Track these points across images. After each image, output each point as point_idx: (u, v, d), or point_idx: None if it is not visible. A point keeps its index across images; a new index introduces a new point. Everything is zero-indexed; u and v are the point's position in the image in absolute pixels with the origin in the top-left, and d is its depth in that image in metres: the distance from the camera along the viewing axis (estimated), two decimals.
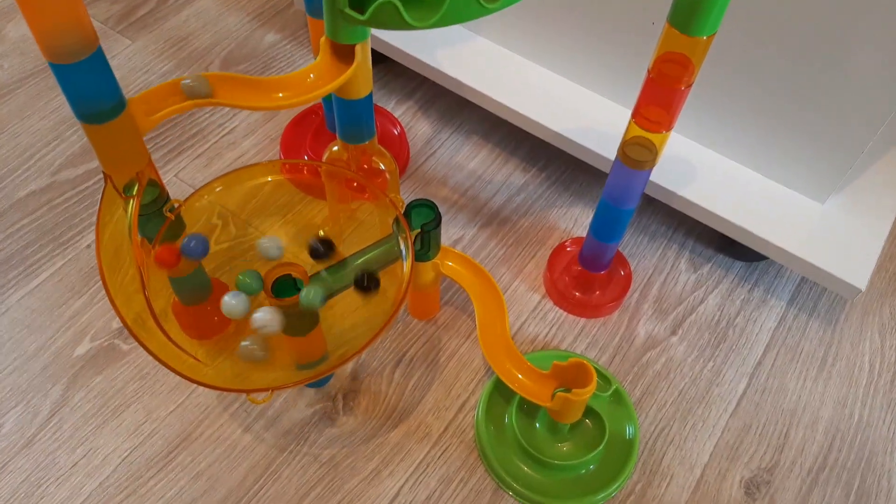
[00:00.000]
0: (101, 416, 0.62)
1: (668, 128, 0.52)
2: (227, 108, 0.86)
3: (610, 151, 0.70)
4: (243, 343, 0.49)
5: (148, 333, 0.48)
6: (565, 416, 0.57)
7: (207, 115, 0.85)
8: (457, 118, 0.86)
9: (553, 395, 0.57)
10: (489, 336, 0.60)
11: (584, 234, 0.76)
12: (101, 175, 0.80)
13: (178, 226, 0.56)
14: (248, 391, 0.47)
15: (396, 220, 0.55)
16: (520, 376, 0.58)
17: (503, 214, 0.78)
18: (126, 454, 0.60)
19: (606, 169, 0.71)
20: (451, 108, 0.87)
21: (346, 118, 0.57)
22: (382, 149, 0.63)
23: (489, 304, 0.61)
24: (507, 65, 0.77)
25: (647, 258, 0.75)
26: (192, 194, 0.57)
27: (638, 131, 0.53)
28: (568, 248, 0.73)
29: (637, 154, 0.55)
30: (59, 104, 0.85)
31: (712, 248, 0.76)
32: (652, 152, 0.55)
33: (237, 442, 0.61)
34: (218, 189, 0.58)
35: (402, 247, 0.54)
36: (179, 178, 0.79)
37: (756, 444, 0.64)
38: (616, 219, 0.61)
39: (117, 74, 0.58)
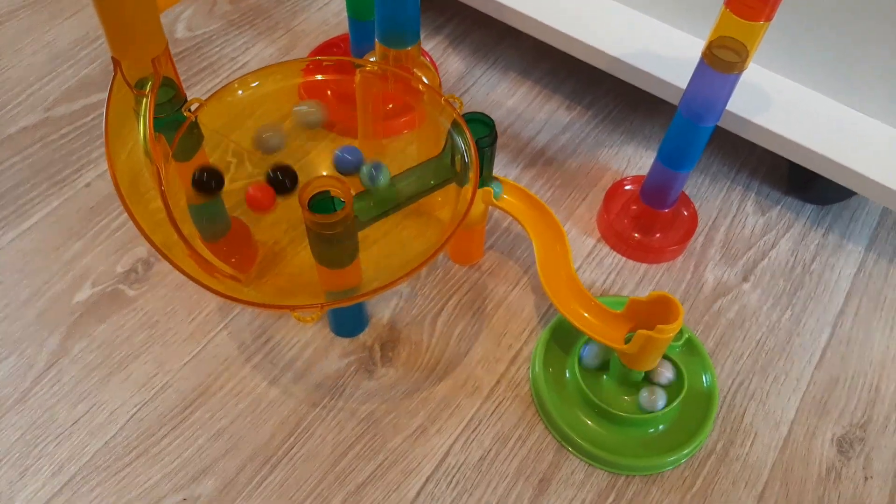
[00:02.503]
0: (105, 368, 0.55)
1: (769, 16, 0.45)
2: (239, 42, 0.78)
3: (673, 77, 0.63)
4: (297, 108, 0.42)
5: (177, 258, 0.41)
6: (642, 361, 0.50)
7: (218, 49, 0.77)
8: (491, 54, 0.79)
9: (627, 339, 0.49)
10: (551, 273, 0.52)
11: (639, 173, 0.69)
12: (102, 112, 0.72)
13: (196, 136, 0.48)
14: (295, 307, 0.40)
15: (454, 126, 0.47)
16: (587, 316, 0.50)
17: (548, 154, 0.71)
18: (135, 410, 0.53)
19: (668, 97, 0.64)
20: (484, 43, 0.79)
21: (388, 12, 0.49)
22: (426, 61, 0.55)
23: (549, 238, 0.53)
24: None
25: (710, 201, 0.68)
26: (220, 90, 0.49)
27: (731, 23, 0.45)
28: (627, 187, 0.65)
29: (726, 55, 0.47)
30: (53, 37, 0.77)
31: (780, 191, 0.69)
32: (742, 55, 0.47)
33: (262, 396, 0.54)
34: (253, 84, 0.50)
35: (462, 146, 0.46)
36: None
37: (846, 399, 0.57)
38: (693, 138, 0.54)
39: None
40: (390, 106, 0.68)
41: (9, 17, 0.79)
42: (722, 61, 0.48)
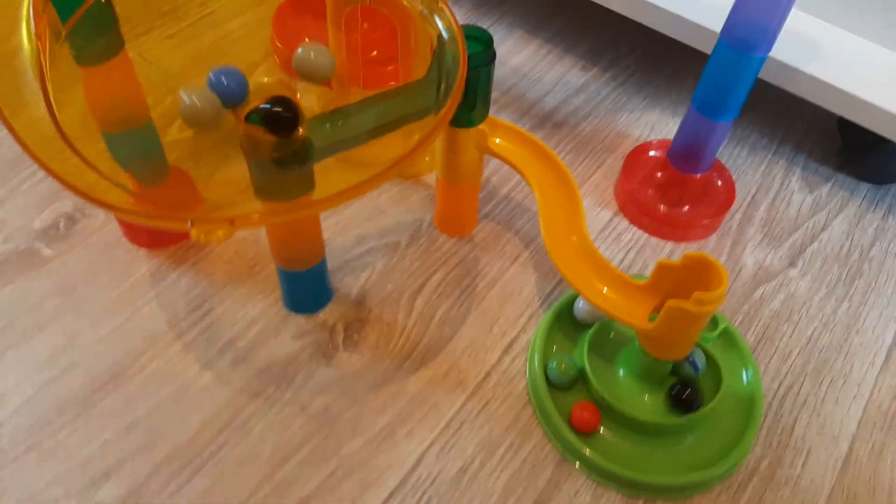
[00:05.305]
0: (2, 341, 0.44)
1: None
2: None
3: (707, 19, 0.53)
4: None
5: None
6: (671, 346, 0.39)
7: None
8: (496, 10, 0.69)
9: (652, 318, 0.39)
10: (559, 237, 0.41)
11: (665, 137, 0.58)
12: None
13: (107, 18, 0.38)
14: (192, 220, 0.29)
15: (440, 36, 0.37)
16: (603, 289, 0.40)
17: (557, 117, 0.60)
18: (31, 392, 0.42)
19: (700, 45, 0.54)
20: None
21: None
22: None
23: (556, 193, 0.43)
24: None
25: (748, 174, 0.57)
26: None
27: None
28: (652, 153, 0.55)
29: None
30: None
31: (830, 167, 0.59)
32: None
33: (191, 382, 0.43)
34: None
35: (444, 31, 0.36)
36: (143, 57, 0.61)
37: None
38: (738, 75, 0.43)
39: None
40: (374, 53, 0.59)
41: None
42: None
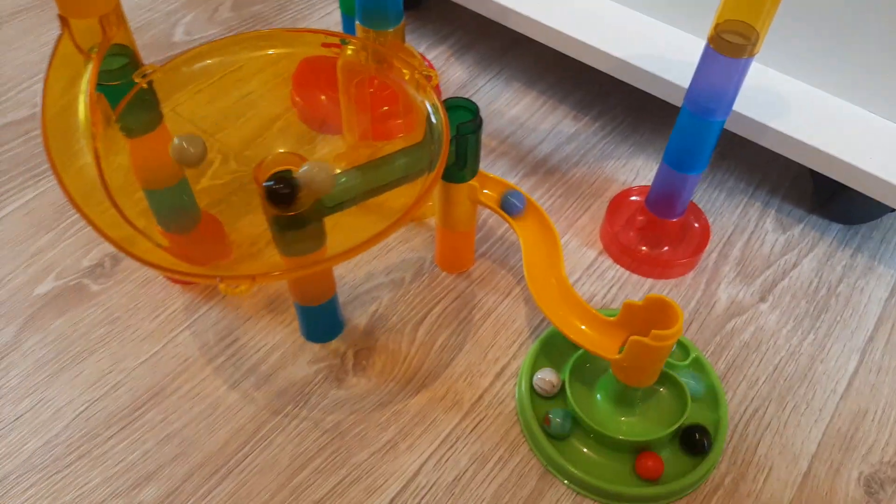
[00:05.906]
0: (57, 364, 0.51)
1: None
2: None
3: (683, 79, 0.58)
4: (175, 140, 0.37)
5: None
6: (638, 375, 0.44)
7: None
8: (495, 65, 0.76)
9: (622, 348, 0.44)
10: (539, 277, 0.47)
11: (648, 185, 0.64)
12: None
13: (150, 100, 0.44)
14: (221, 277, 0.35)
15: (429, 117, 0.43)
16: (577, 323, 0.45)
17: (550, 164, 0.66)
18: (82, 408, 0.49)
19: (678, 102, 0.59)
20: (488, 55, 0.76)
21: None
22: (412, 48, 0.52)
23: (539, 240, 0.49)
24: None
25: (725, 216, 0.63)
26: (178, 55, 0.46)
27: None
28: (633, 198, 0.60)
29: (735, 37, 0.43)
30: (50, 38, 0.76)
31: (803, 208, 0.64)
32: (751, 39, 0.43)
33: (220, 400, 0.49)
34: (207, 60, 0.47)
35: (431, 112, 0.42)
36: (177, 113, 0.68)
37: (875, 434, 0.50)
38: (701, 136, 0.49)
39: None
40: (385, 108, 0.65)
41: (11, 18, 0.78)
42: (730, 44, 0.43)
